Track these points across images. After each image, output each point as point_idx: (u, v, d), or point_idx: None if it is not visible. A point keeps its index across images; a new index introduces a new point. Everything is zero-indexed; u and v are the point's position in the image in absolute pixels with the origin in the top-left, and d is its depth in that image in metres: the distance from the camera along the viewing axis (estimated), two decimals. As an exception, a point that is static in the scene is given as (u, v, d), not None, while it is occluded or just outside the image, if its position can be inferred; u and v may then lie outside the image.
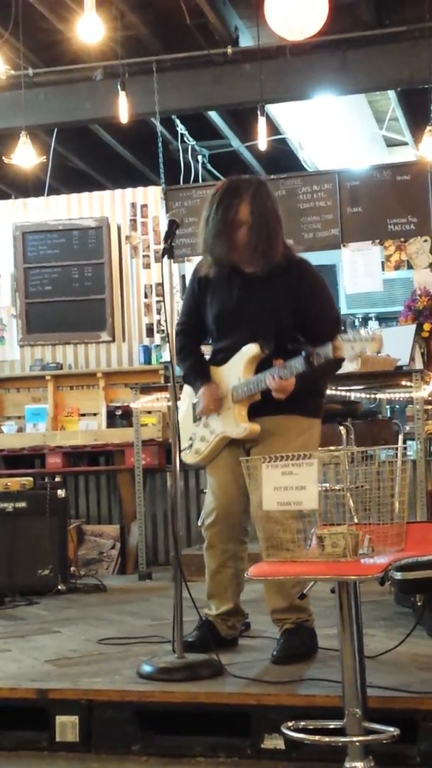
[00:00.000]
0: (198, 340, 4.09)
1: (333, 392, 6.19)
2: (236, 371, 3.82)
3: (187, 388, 4.13)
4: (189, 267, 7.96)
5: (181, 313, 4.16)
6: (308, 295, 3.79)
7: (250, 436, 3.79)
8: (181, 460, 3.83)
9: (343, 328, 11.82)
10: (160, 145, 8.34)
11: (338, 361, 3.71)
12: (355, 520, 2.91)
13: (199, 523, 4.43)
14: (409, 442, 6.20)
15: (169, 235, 3.70)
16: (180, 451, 3.75)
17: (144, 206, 8.11)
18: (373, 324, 10.97)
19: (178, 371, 3.96)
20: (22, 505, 5.94)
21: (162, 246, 3.70)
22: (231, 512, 3.91)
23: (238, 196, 3.76)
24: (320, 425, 3.94)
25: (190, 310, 4.04)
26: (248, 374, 3.79)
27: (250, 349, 3.78)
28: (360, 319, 11.78)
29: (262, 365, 3.76)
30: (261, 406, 3.78)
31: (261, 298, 3.79)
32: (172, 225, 3.72)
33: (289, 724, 2.91)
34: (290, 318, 3.78)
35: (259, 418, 3.80)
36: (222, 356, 3.91)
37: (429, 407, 6.59)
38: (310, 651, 3.73)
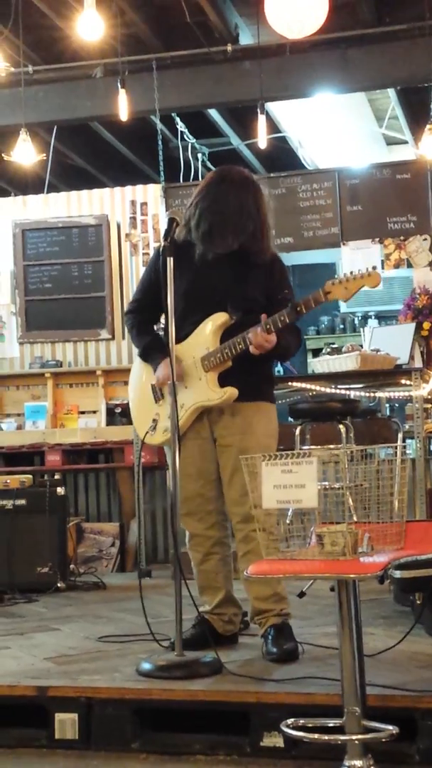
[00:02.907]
0: (152, 319, 4.07)
1: (332, 391, 6.20)
2: (203, 341, 3.82)
3: (135, 372, 4.12)
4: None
5: (137, 291, 4.18)
6: (277, 278, 3.90)
7: (228, 400, 3.78)
8: (144, 442, 3.95)
9: (342, 326, 11.94)
10: (159, 142, 8.33)
11: (298, 333, 3.91)
12: (355, 519, 2.91)
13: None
14: (408, 441, 6.20)
15: (169, 232, 3.69)
16: (178, 447, 3.73)
17: (144, 204, 8.11)
18: (372, 322, 10.98)
19: (139, 354, 4.05)
20: (22, 502, 5.94)
21: (162, 244, 3.70)
22: (206, 498, 3.91)
23: (245, 187, 3.85)
24: (276, 410, 4.01)
25: (149, 287, 4.01)
26: (215, 342, 3.80)
27: (219, 316, 3.81)
28: (359, 318, 11.78)
29: (226, 336, 3.79)
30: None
31: (232, 278, 3.82)
32: (172, 223, 3.72)
33: (289, 722, 2.91)
34: (260, 300, 3.81)
35: (222, 406, 3.83)
36: (186, 332, 3.86)
37: (428, 406, 6.59)
38: (299, 647, 3.74)
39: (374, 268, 3.59)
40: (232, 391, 3.78)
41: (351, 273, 3.56)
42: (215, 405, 3.81)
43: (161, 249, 3.71)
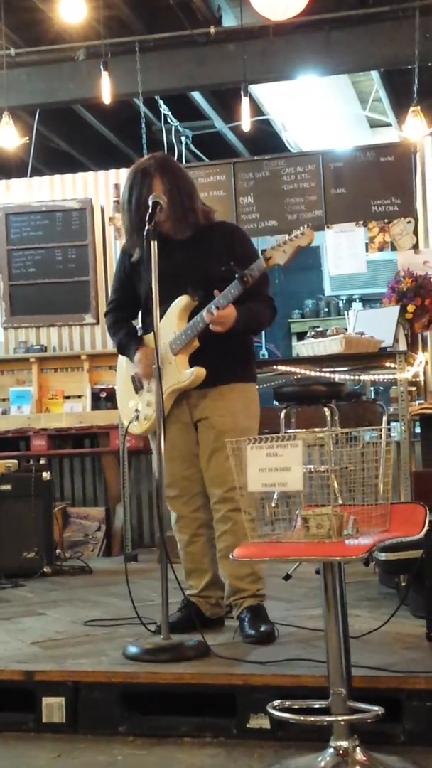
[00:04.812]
0: (130, 315, 4.10)
1: (317, 374, 6.21)
2: (170, 327, 3.84)
3: (121, 364, 4.15)
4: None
5: (111, 292, 4.24)
6: (240, 249, 3.86)
7: (196, 380, 3.79)
8: (129, 432, 4.01)
9: (327, 309, 11.95)
10: (143, 125, 8.30)
11: (270, 302, 3.90)
12: (340, 501, 2.92)
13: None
14: (393, 424, 6.21)
15: (153, 216, 3.68)
16: (162, 432, 3.73)
17: (127, 188, 8.07)
18: (356, 305, 10.99)
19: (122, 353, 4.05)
20: (7, 487, 5.94)
21: (146, 227, 3.69)
22: (191, 481, 3.93)
23: (148, 174, 3.86)
24: (257, 390, 4.01)
25: (121, 286, 4.10)
26: (181, 325, 3.82)
27: (181, 300, 3.83)
28: (344, 301, 11.80)
29: (193, 316, 3.81)
30: (202, 382, 3.81)
31: (191, 259, 3.83)
32: (156, 206, 3.71)
33: (275, 703, 2.92)
34: (221, 273, 3.77)
35: (201, 390, 3.84)
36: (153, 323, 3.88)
37: (413, 388, 6.61)
38: (275, 629, 3.75)
39: (308, 226, 3.66)
40: (198, 371, 3.79)
41: (287, 236, 3.64)
42: (185, 386, 3.82)
43: (145, 233, 3.69)
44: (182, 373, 3.81)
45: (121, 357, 4.16)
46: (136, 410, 3.98)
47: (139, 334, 4.05)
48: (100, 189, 8.13)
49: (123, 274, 4.09)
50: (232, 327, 3.72)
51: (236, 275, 3.65)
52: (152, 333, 3.79)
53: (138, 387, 4.00)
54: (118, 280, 4.15)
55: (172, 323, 3.84)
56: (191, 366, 3.82)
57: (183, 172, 3.97)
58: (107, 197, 8.08)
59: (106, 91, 7.30)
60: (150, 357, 3.83)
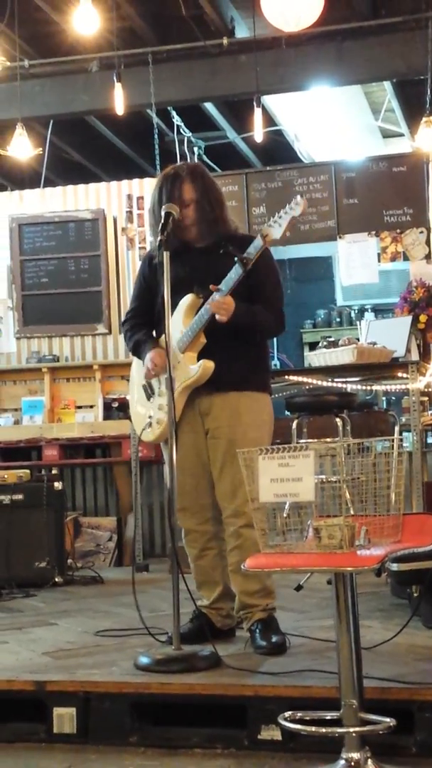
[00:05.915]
0: (146, 323, 4.08)
1: (329, 384, 6.20)
2: (177, 326, 3.84)
3: (132, 375, 4.15)
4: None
5: (131, 301, 4.26)
6: (261, 260, 3.81)
7: (204, 374, 3.77)
8: (142, 440, 4.02)
9: (339, 319, 11.94)
10: (155, 136, 8.32)
11: (277, 312, 3.90)
12: (352, 512, 2.91)
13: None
14: (405, 434, 6.20)
15: (165, 226, 3.69)
16: (174, 441, 3.72)
17: (140, 198, 8.10)
18: (369, 315, 10.98)
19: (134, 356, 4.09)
20: (19, 497, 5.94)
21: (158, 238, 3.70)
22: (200, 492, 3.91)
23: (179, 178, 3.92)
24: (270, 400, 3.99)
25: (141, 294, 4.11)
26: (188, 323, 3.83)
27: (186, 298, 3.85)
28: (356, 311, 11.79)
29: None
30: (212, 384, 3.80)
31: (210, 266, 3.83)
32: (168, 217, 3.72)
33: (286, 715, 2.91)
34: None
35: (211, 395, 3.83)
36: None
37: (425, 399, 6.60)
38: (286, 640, 3.75)
39: (300, 197, 3.72)
40: (206, 364, 3.78)
41: (281, 211, 3.68)
42: (194, 382, 3.80)
43: (157, 243, 3.71)
44: (190, 369, 3.80)
45: (133, 367, 4.15)
46: (149, 417, 3.96)
47: None
48: (113, 199, 8.16)
49: (143, 282, 4.10)
50: (231, 318, 3.71)
51: (235, 259, 3.66)
52: (163, 335, 3.80)
53: (150, 394, 3.99)
54: (138, 289, 4.15)
55: (178, 322, 3.85)
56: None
57: (213, 180, 4.03)
58: (120, 208, 8.10)
59: (119, 102, 7.33)
60: (162, 357, 3.82)
